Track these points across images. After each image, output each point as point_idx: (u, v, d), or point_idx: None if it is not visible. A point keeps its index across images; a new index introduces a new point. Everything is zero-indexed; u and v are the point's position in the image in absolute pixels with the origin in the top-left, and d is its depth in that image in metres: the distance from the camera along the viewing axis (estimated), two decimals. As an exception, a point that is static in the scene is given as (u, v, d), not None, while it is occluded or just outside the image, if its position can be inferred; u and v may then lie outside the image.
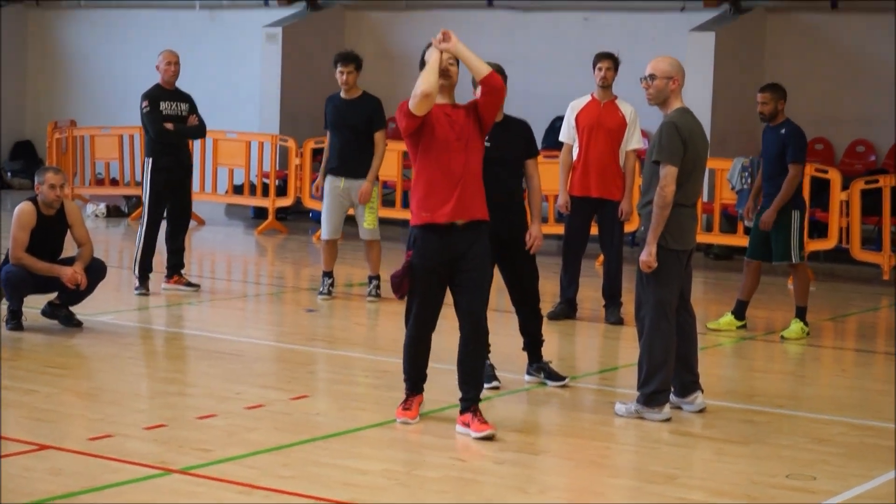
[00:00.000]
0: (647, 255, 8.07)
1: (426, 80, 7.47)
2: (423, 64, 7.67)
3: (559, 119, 19.22)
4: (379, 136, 12.14)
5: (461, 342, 7.71)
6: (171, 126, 12.45)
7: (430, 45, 8.00)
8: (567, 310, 11.72)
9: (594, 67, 11.61)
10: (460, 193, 7.59)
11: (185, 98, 12.68)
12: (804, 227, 11.26)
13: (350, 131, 12.16)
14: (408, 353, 7.88)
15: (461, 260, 7.62)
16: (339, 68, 12.16)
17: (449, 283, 7.72)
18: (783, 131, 11.06)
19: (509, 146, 8.85)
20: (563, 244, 11.84)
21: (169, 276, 12.73)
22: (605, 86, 11.61)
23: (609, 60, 11.62)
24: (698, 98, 16.24)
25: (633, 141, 11.60)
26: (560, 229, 16.43)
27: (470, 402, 7.70)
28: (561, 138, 11.84)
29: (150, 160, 12.48)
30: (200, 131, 12.80)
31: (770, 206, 11.04)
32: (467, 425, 7.64)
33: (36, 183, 10.43)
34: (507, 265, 8.97)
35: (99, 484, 6.54)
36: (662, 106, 8.26)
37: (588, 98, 11.72)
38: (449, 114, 7.64)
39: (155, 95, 12.52)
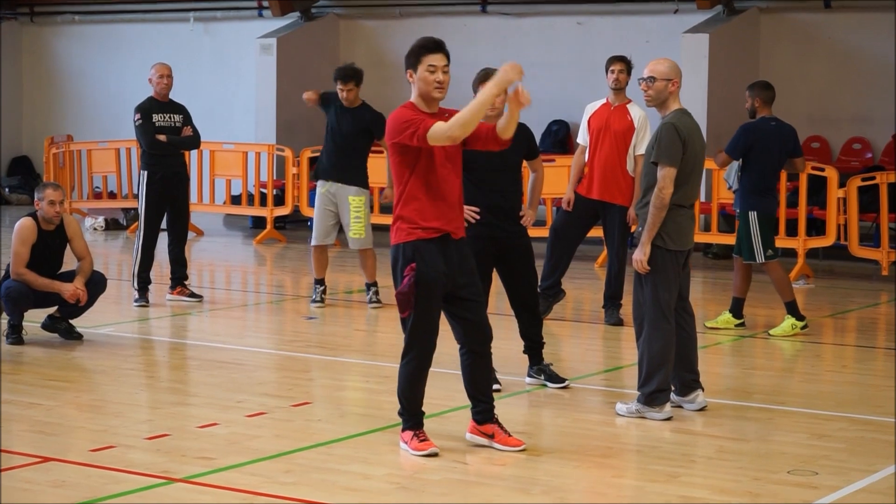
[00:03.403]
0: (642, 255, 8.10)
1: (469, 124, 7.03)
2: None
3: (555, 123, 19.33)
4: None
5: (472, 354, 7.42)
6: (164, 138, 12.47)
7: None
8: (545, 300, 11.37)
9: (606, 70, 11.58)
10: (457, 213, 7.34)
11: (180, 109, 12.70)
12: (775, 226, 11.35)
13: (344, 138, 12.17)
14: (414, 383, 7.35)
15: (458, 275, 7.31)
16: (339, 86, 12.11)
17: (447, 303, 7.37)
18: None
19: (511, 150, 8.73)
20: (550, 234, 11.60)
21: (172, 288, 12.76)
22: (618, 88, 11.54)
23: (621, 63, 11.55)
24: (693, 99, 16.24)
25: (643, 145, 11.41)
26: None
27: (491, 411, 7.49)
28: (578, 140, 11.86)
29: (145, 173, 12.52)
30: (194, 142, 12.79)
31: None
32: (491, 436, 7.45)
33: (35, 199, 10.46)
34: (505, 271, 8.96)
35: (102, 495, 6.55)
36: (661, 108, 8.30)
37: (602, 101, 11.70)
38: None
39: (147, 108, 12.54)
